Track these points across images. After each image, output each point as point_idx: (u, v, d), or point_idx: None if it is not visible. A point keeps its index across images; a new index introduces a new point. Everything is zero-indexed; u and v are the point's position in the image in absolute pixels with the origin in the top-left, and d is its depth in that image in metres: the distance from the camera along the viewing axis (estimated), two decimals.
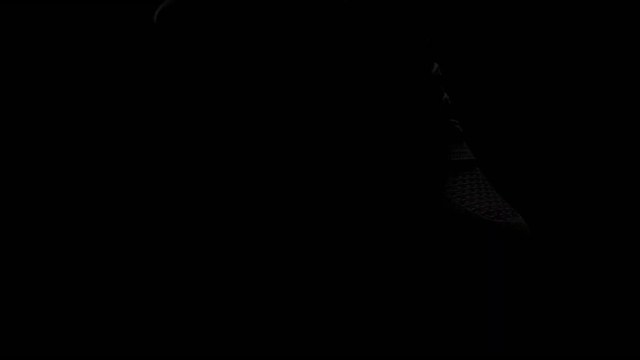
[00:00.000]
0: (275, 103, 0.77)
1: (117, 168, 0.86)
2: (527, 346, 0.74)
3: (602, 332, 0.76)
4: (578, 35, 0.93)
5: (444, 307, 0.73)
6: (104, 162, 0.87)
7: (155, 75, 0.84)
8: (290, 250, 0.78)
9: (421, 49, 0.75)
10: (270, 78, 0.76)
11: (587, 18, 0.93)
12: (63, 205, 0.84)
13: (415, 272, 0.72)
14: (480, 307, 0.73)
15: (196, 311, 0.77)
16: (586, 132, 0.90)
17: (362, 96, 0.74)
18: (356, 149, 0.74)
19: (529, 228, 0.71)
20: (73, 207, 0.84)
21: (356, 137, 0.74)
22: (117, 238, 0.82)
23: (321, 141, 0.75)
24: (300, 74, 0.75)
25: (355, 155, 0.74)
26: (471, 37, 0.94)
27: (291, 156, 0.77)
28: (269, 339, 0.75)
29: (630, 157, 0.88)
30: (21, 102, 0.90)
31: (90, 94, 0.90)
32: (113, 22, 0.92)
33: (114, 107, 0.89)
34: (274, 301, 0.76)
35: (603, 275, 0.81)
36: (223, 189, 0.81)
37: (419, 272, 0.72)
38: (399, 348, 0.73)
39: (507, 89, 0.92)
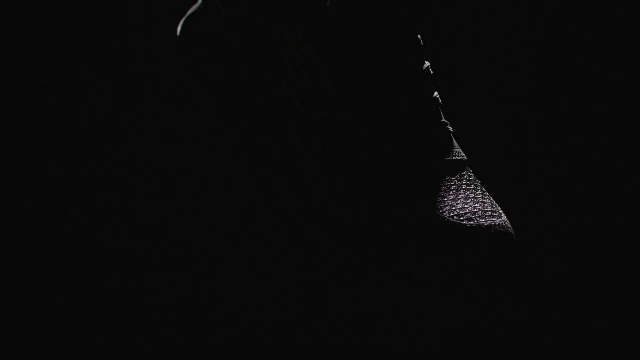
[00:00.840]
0: (274, 104, 0.77)
1: (133, 170, 0.87)
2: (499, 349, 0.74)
3: (588, 334, 0.76)
4: (570, 35, 0.93)
5: (411, 310, 0.74)
6: (112, 162, 0.87)
7: (176, 84, 0.86)
8: (277, 253, 0.78)
9: (412, 47, 0.75)
10: (274, 79, 0.77)
11: (581, 18, 0.93)
12: (63, 204, 0.85)
13: (386, 274, 0.72)
14: (447, 311, 0.73)
15: (196, 311, 0.77)
16: (577, 130, 0.90)
17: (353, 94, 0.74)
18: (346, 147, 0.74)
19: (510, 229, 0.71)
20: (73, 206, 0.85)
21: (346, 135, 0.74)
22: (116, 237, 0.83)
23: (315, 139, 0.76)
24: (295, 74, 0.76)
25: (345, 153, 0.74)
26: (463, 35, 0.94)
27: (282, 156, 0.78)
28: (266, 339, 0.75)
29: (620, 157, 0.88)
30: (24, 103, 0.91)
31: (107, 102, 0.91)
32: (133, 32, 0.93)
33: (130, 114, 0.90)
34: (269, 302, 0.77)
35: (592, 274, 0.81)
36: (224, 189, 0.81)
37: (390, 274, 0.72)
38: (381, 351, 0.74)
39: (498, 87, 0.92)
